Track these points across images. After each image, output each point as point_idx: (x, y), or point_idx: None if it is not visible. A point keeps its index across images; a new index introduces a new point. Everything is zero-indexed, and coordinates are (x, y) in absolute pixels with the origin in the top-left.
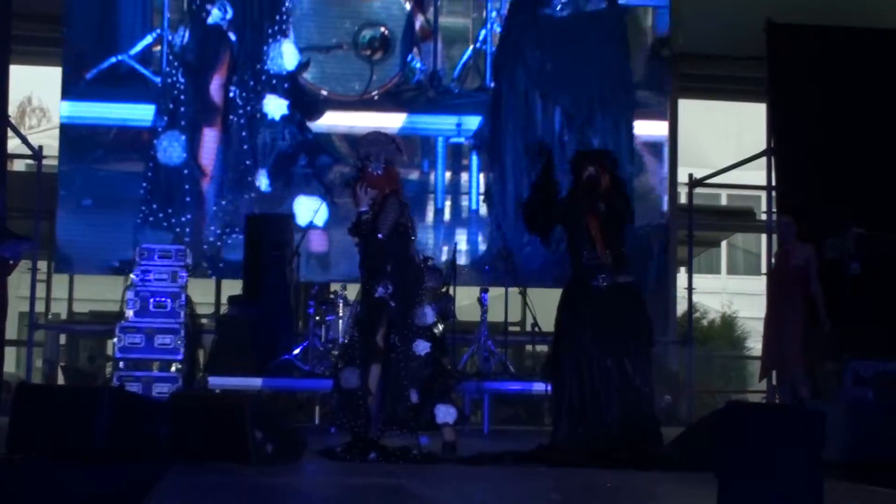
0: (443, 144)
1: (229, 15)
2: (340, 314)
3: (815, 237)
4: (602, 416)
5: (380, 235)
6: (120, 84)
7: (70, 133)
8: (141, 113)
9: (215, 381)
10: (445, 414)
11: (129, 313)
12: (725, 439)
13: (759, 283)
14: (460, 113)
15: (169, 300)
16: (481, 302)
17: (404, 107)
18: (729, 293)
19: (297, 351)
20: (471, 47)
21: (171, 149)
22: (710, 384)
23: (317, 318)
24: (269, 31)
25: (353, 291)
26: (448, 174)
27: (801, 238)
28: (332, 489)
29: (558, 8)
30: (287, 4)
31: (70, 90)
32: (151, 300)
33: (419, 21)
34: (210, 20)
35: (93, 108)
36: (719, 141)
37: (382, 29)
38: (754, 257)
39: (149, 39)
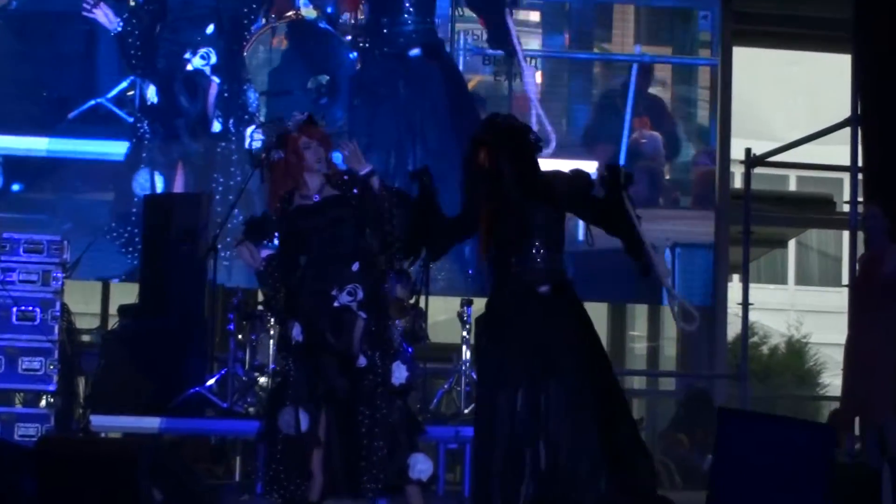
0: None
1: (213, 60)
2: (272, 332)
3: None
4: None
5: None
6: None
7: None
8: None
9: (100, 422)
10: (422, 468)
11: None
12: (719, 453)
13: (838, 298)
14: None
15: (38, 310)
16: (463, 318)
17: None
18: (798, 310)
19: (211, 381)
20: None
21: (146, 183)
22: None
23: (239, 336)
24: (245, 76)
25: None
26: None
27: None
28: None
29: None
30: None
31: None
32: (14, 310)
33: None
34: (191, 67)
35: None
36: (787, 105)
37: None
38: (833, 262)
39: (124, 84)
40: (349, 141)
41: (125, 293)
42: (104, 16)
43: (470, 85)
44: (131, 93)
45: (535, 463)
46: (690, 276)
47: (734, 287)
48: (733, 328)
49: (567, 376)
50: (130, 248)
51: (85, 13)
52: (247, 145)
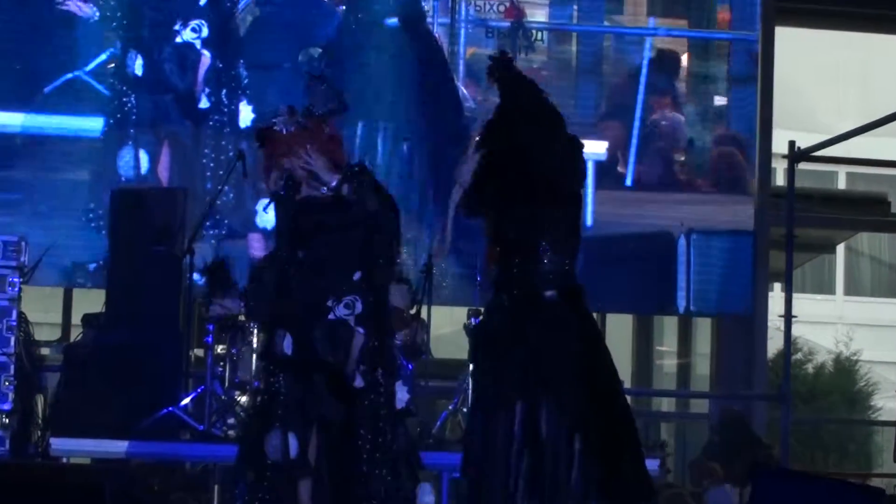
0: None
1: (204, 34)
2: (255, 345)
3: None
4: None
5: None
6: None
7: None
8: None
9: (61, 445)
10: (428, 501)
11: None
12: None
13: (892, 310)
14: None
15: None
16: (470, 330)
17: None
18: (848, 324)
19: (186, 400)
20: None
21: (131, 162)
22: (817, 463)
23: (218, 349)
24: (236, 50)
25: None
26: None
27: None
28: None
29: None
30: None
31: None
32: None
33: None
34: (181, 39)
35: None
36: (836, 93)
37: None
38: (887, 270)
39: (103, 56)
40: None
41: (90, 301)
42: (77, 7)
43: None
44: (111, 66)
45: (529, 495)
46: (707, 266)
47: (775, 297)
48: (774, 343)
49: (566, 397)
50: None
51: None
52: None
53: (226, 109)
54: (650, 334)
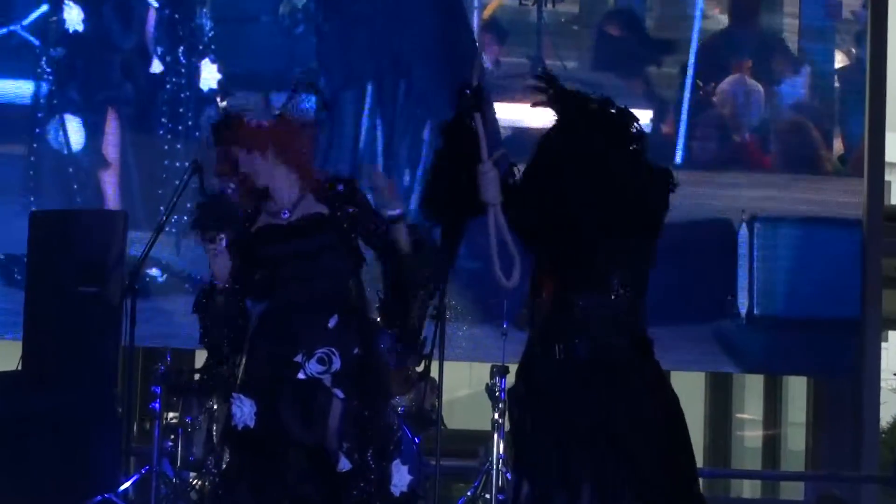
0: None
1: None
2: (216, 413)
3: None
4: None
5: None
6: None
7: None
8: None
9: None
10: None
11: None
12: None
13: None
14: None
15: None
16: (495, 393)
17: None
18: None
19: (126, 484)
20: None
21: (65, 133)
22: None
23: (168, 418)
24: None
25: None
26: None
27: None
28: None
29: None
30: None
31: None
32: None
33: None
34: None
35: None
36: None
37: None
38: None
39: (44, 8)
40: (381, 173)
41: (2, 355)
42: None
43: (488, 11)
44: (54, 19)
45: None
46: (772, 261)
47: (891, 350)
48: (888, 409)
49: (648, 481)
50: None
51: None
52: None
53: (184, 71)
54: (728, 396)
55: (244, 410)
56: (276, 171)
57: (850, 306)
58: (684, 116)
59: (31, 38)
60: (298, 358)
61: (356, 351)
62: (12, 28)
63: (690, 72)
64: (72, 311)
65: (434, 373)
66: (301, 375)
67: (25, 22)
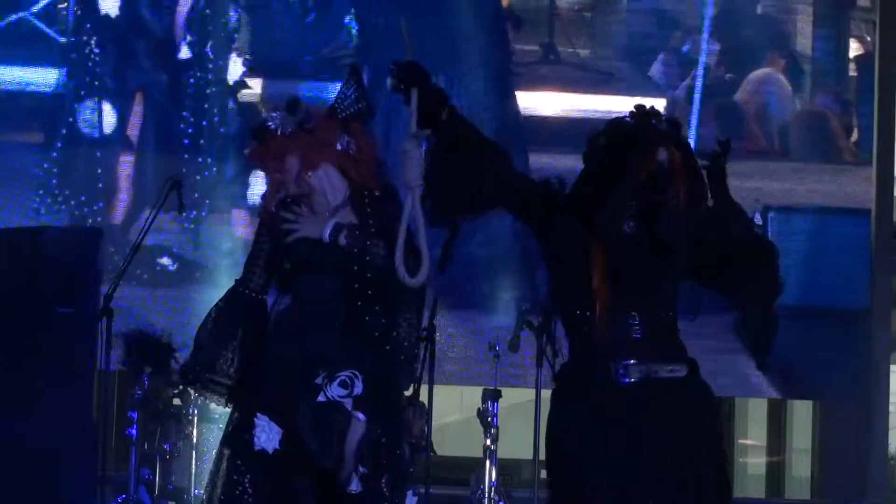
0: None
1: None
2: (194, 438)
3: None
4: None
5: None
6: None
7: None
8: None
9: None
10: None
11: None
12: None
13: None
14: None
15: None
16: (487, 417)
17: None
18: None
19: None
20: None
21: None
22: None
23: (145, 446)
24: None
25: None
26: None
27: None
28: None
29: None
30: None
31: None
32: None
33: None
34: None
35: None
36: None
37: None
38: None
39: None
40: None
41: None
42: None
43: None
44: (63, 6)
45: None
46: (786, 254)
47: None
48: None
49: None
50: (64, 206)
51: None
52: None
53: (211, 63)
54: (730, 420)
55: (270, 435)
56: (308, 178)
57: (862, 296)
58: (696, 105)
59: (43, 26)
60: (319, 380)
61: (379, 375)
62: (21, 14)
63: (701, 62)
64: (42, 333)
65: (423, 397)
66: (321, 398)
67: (35, 9)
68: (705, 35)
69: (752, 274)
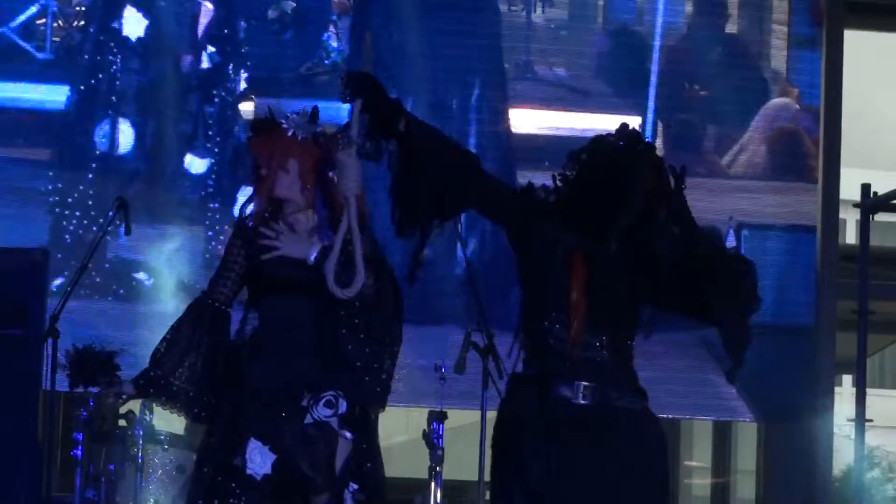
0: None
1: None
2: (140, 459)
3: None
4: None
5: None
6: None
7: None
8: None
9: None
10: None
11: None
12: None
13: None
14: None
15: None
16: (432, 439)
17: (318, 93)
18: None
19: None
20: None
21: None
22: None
23: (91, 469)
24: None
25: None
26: None
27: None
28: None
29: None
30: None
31: None
32: None
33: None
34: None
35: None
36: None
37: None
38: None
39: (33, 10)
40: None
41: None
42: None
43: None
44: (41, 21)
45: None
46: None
47: (844, 394)
48: (842, 457)
49: None
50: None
51: None
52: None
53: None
54: (676, 442)
55: (263, 459)
56: (297, 187)
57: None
58: (651, 113)
59: (20, 41)
60: (304, 402)
61: (356, 394)
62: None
63: (653, 73)
64: None
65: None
66: (308, 420)
67: (13, 23)
68: (655, 51)
69: (727, 290)
